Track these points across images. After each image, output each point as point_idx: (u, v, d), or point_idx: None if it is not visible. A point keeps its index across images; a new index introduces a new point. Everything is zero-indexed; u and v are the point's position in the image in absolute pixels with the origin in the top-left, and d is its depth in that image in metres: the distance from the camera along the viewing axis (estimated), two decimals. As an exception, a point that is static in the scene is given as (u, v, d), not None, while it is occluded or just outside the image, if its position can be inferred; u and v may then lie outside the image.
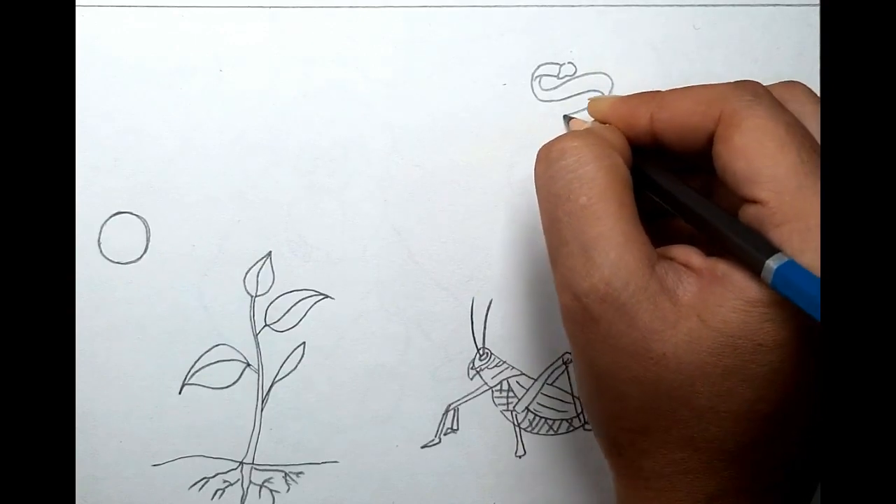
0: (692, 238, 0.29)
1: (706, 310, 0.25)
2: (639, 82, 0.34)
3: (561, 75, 0.34)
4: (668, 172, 0.29)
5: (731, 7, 0.34)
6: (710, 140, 0.27)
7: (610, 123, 0.30)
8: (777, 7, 0.34)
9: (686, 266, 0.27)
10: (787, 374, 0.25)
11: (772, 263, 0.24)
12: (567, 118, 0.34)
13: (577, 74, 0.34)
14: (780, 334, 0.25)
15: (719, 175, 0.27)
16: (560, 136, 0.28)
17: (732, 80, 0.28)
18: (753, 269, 0.25)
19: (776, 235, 0.25)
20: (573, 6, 0.34)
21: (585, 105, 0.34)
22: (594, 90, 0.34)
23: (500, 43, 0.34)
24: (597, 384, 0.28)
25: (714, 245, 0.27)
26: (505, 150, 0.34)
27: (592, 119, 0.32)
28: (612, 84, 0.34)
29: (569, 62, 0.34)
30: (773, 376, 0.25)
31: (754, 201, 0.25)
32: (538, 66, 0.34)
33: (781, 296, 0.24)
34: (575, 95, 0.34)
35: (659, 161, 0.29)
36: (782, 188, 0.25)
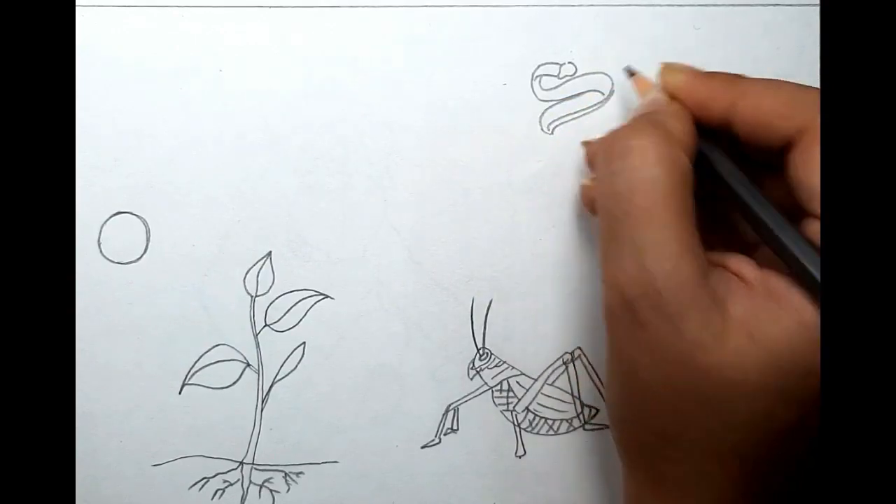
0: (744, 244, 0.28)
1: (757, 326, 0.25)
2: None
3: (561, 75, 0.34)
4: (734, 167, 0.28)
5: (731, 7, 0.34)
6: (785, 143, 0.27)
7: (681, 100, 0.29)
8: (777, 7, 0.34)
9: (739, 277, 0.26)
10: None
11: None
12: (630, 72, 0.32)
13: (577, 74, 0.34)
14: None
15: (790, 183, 0.26)
16: (625, 130, 0.27)
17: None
18: (810, 288, 0.25)
19: None
20: (573, 6, 0.34)
21: (586, 105, 0.34)
22: (594, 90, 0.34)
23: (500, 43, 0.34)
24: (631, 385, 0.27)
25: (771, 251, 0.26)
26: (505, 150, 0.34)
27: (658, 87, 0.30)
28: (612, 84, 0.34)
29: (569, 62, 0.34)
30: (817, 402, 0.24)
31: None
32: (538, 66, 0.34)
33: None
34: (575, 95, 0.34)
35: (726, 150, 0.28)
36: None
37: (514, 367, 0.35)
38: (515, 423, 0.35)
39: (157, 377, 0.34)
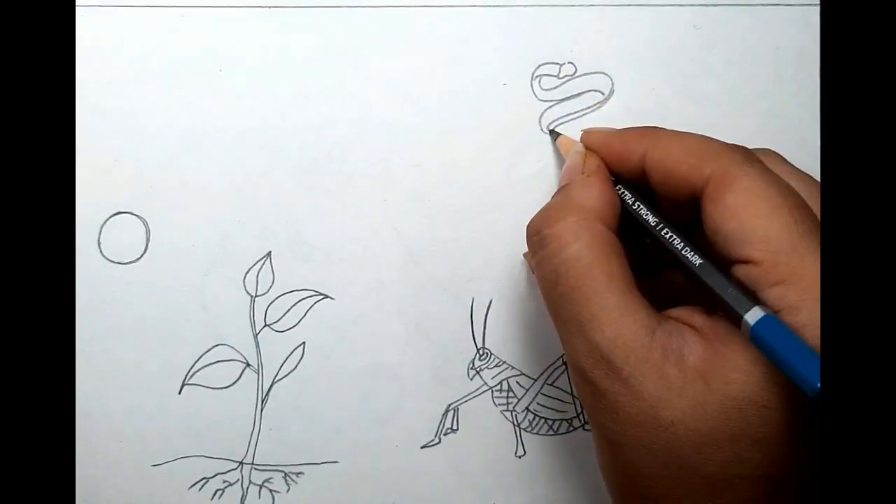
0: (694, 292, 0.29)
1: (710, 372, 0.25)
2: (639, 82, 0.34)
3: (561, 75, 0.34)
4: (658, 215, 0.28)
5: (731, 7, 0.34)
6: (694, 195, 0.27)
7: (601, 155, 0.30)
8: (777, 7, 0.34)
9: (690, 326, 0.26)
10: (797, 435, 0.25)
11: (749, 319, 0.24)
12: (554, 135, 0.33)
13: (577, 74, 0.34)
14: (784, 395, 0.24)
15: (709, 235, 0.27)
16: (539, 217, 0.29)
17: (721, 140, 0.28)
18: (733, 322, 0.25)
19: (771, 294, 0.25)
20: (573, 6, 0.34)
21: (586, 105, 0.34)
22: (594, 90, 0.34)
23: (500, 43, 0.34)
24: (610, 452, 0.27)
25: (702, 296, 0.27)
26: (505, 150, 0.34)
27: (579, 142, 0.31)
28: (612, 84, 0.34)
29: (569, 62, 0.34)
30: (781, 438, 0.25)
31: (746, 261, 0.25)
32: (538, 66, 0.34)
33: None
34: (575, 95, 0.34)
35: (652, 201, 0.29)
36: (776, 248, 0.25)
37: (514, 367, 0.35)
38: (515, 423, 0.35)
39: (156, 377, 0.34)
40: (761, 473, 0.25)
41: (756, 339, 0.24)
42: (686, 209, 0.28)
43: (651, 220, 0.28)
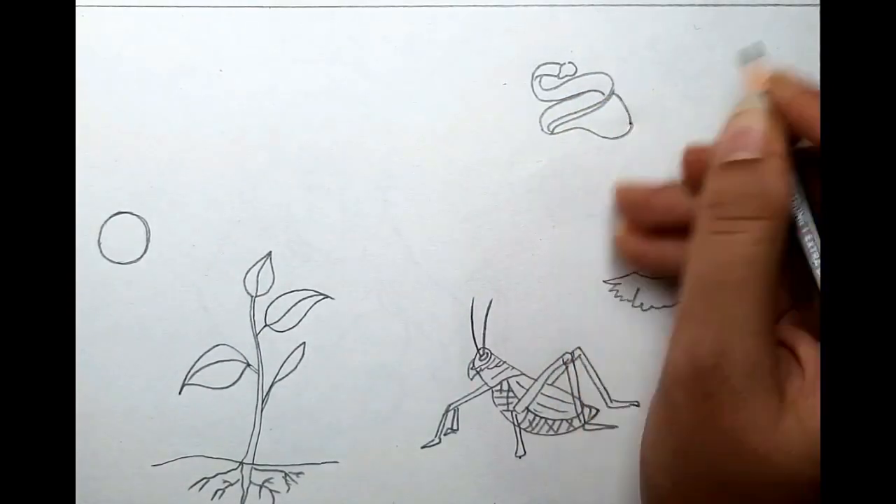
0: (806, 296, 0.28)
1: (804, 409, 0.25)
2: (639, 82, 0.34)
3: (561, 75, 0.34)
4: (813, 224, 0.27)
5: (731, 7, 0.34)
6: None
7: (785, 114, 0.27)
8: (777, 7, 0.34)
9: (795, 356, 0.26)
10: None
11: None
12: (744, 58, 0.30)
13: (577, 74, 0.34)
14: None
15: None
16: (731, 198, 0.26)
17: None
18: None
19: None
20: (573, 6, 0.34)
21: (586, 105, 0.34)
22: (594, 90, 0.34)
23: (500, 43, 0.34)
24: (679, 453, 0.27)
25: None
26: (505, 150, 0.34)
27: (763, 90, 0.28)
28: (612, 84, 0.34)
29: (569, 62, 0.34)
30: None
31: None
32: (538, 66, 0.34)
33: None
34: (575, 95, 0.34)
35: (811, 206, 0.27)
36: None
37: (514, 367, 0.35)
38: (515, 423, 0.35)
39: (157, 377, 0.34)
40: None
41: None
42: None
43: (809, 239, 0.27)
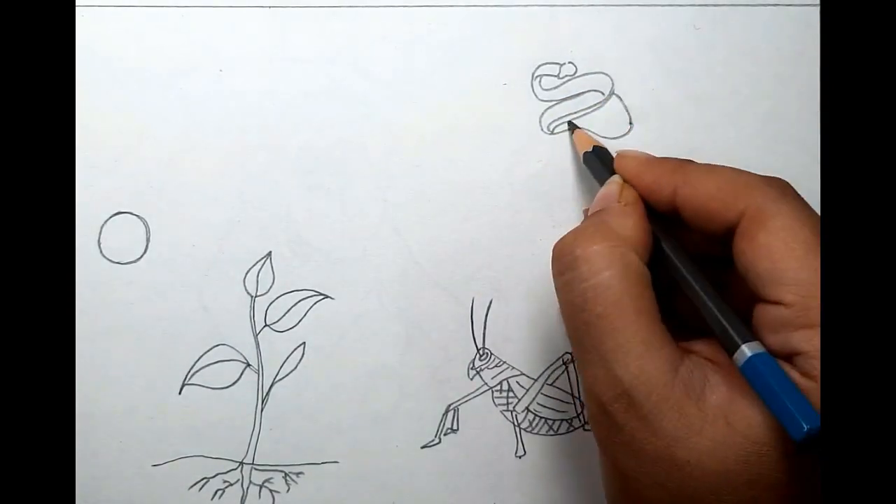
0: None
1: (733, 412, 0.25)
2: (639, 82, 0.34)
3: (561, 75, 0.34)
4: (679, 247, 0.28)
5: (731, 7, 0.34)
6: (728, 229, 0.27)
7: (633, 185, 0.29)
8: (777, 7, 0.34)
9: (712, 362, 0.26)
10: (813, 481, 0.24)
11: (747, 350, 0.24)
12: (571, 126, 0.33)
13: (577, 74, 0.34)
14: None
15: (740, 271, 0.26)
16: (570, 238, 0.28)
17: (760, 173, 0.27)
18: (728, 351, 0.25)
19: (798, 336, 0.24)
20: (573, 6, 0.34)
21: (586, 105, 0.34)
22: (594, 90, 0.34)
23: (500, 43, 0.34)
24: (621, 485, 0.27)
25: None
26: (505, 150, 0.34)
27: (593, 145, 0.31)
28: (612, 84, 0.34)
29: (569, 62, 0.34)
30: (799, 483, 0.24)
31: (777, 302, 0.25)
32: (538, 66, 0.34)
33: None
34: (575, 95, 0.34)
35: (678, 233, 0.29)
36: (808, 292, 0.24)
37: (514, 368, 0.35)
38: (515, 423, 0.35)
39: (157, 377, 0.34)
40: None
41: (750, 372, 0.24)
42: (721, 244, 0.27)
43: (666, 246, 0.28)
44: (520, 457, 0.35)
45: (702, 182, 0.27)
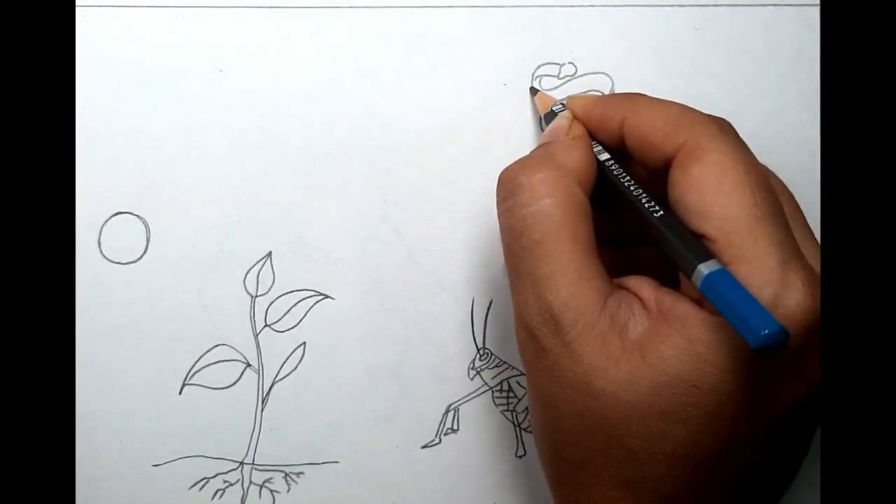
0: (658, 267, 0.29)
1: (648, 346, 0.25)
2: (639, 82, 0.34)
3: (561, 75, 0.34)
4: (628, 176, 0.28)
5: (731, 7, 0.34)
6: (667, 162, 0.27)
7: (583, 121, 0.30)
8: (777, 7, 0.34)
9: (638, 298, 0.26)
10: (725, 419, 0.25)
11: (703, 269, 0.24)
12: (533, 91, 0.33)
13: (577, 74, 0.34)
14: (715, 376, 0.24)
15: (671, 203, 0.27)
16: (514, 167, 0.28)
17: (706, 111, 0.28)
18: (686, 272, 0.25)
19: None
20: (573, 6, 0.34)
21: (585, 105, 0.34)
22: (594, 90, 0.34)
23: (500, 43, 0.34)
24: (543, 413, 0.28)
25: (662, 258, 0.26)
26: (505, 150, 0.34)
27: (559, 102, 0.32)
28: (613, 84, 0.34)
29: (569, 62, 0.34)
30: (708, 420, 0.25)
31: (702, 236, 0.25)
32: (538, 66, 0.34)
33: (718, 334, 0.24)
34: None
35: (627, 167, 0.29)
36: (731, 228, 0.25)
37: (514, 368, 0.35)
38: (515, 423, 0.35)
39: (157, 377, 0.34)
40: (683, 452, 0.25)
41: (708, 287, 0.24)
42: (662, 180, 0.28)
43: (618, 174, 0.28)
44: (520, 457, 0.35)
45: (648, 113, 0.28)
